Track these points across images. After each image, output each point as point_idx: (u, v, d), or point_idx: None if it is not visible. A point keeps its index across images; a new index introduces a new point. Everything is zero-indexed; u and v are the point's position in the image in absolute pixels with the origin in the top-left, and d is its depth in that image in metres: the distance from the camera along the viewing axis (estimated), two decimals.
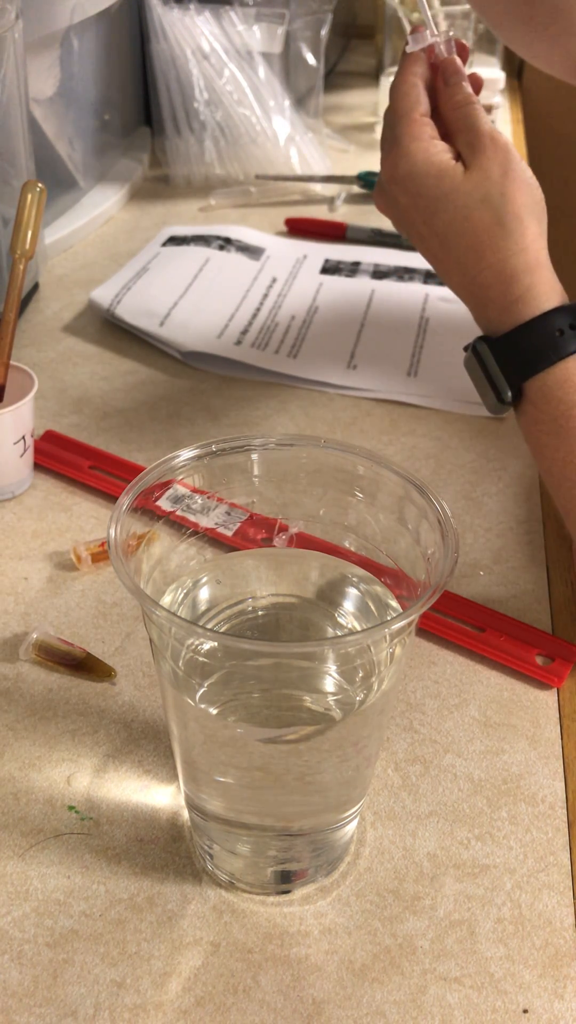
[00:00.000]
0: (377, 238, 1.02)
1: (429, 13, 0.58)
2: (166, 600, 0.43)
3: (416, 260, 0.97)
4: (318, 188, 1.12)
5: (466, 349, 0.56)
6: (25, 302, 0.88)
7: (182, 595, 0.44)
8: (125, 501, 0.39)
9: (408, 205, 0.53)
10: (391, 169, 0.53)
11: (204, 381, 0.79)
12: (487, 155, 0.52)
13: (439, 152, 0.53)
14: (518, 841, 0.46)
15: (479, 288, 0.53)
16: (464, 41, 0.59)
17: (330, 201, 1.11)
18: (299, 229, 1.04)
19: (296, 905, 0.43)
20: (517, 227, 0.51)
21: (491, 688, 0.54)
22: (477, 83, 0.58)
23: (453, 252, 0.52)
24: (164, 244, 0.97)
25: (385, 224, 1.04)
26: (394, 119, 0.54)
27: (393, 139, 0.54)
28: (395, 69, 0.59)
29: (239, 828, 0.43)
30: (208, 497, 0.44)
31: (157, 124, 1.14)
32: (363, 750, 0.41)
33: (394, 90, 0.56)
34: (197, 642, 0.40)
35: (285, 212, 1.07)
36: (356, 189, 1.13)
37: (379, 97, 1.32)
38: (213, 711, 0.41)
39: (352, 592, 0.45)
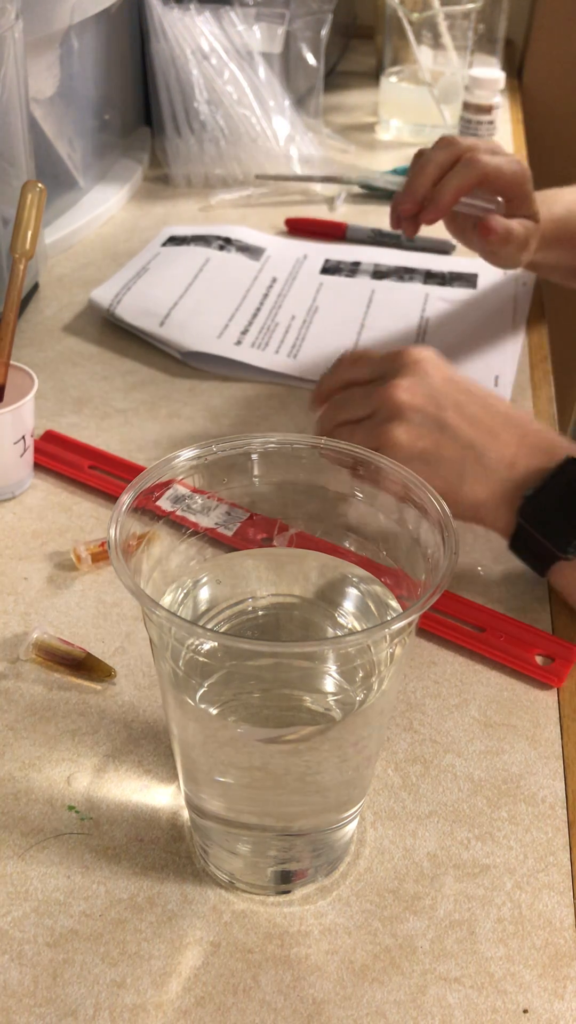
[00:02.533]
0: (377, 238, 1.02)
1: None
2: (166, 600, 0.43)
3: (416, 260, 0.97)
4: (318, 188, 1.12)
5: (531, 502, 0.56)
6: (25, 302, 0.88)
7: (182, 595, 0.44)
8: (125, 501, 0.39)
9: (442, 379, 0.59)
10: (416, 355, 0.59)
11: (204, 381, 0.79)
12: None
13: None
14: (518, 841, 0.46)
15: (538, 434, 0.58)
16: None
17: (330, 201, 1.11)
18: (299, 229, 1.04)
19: (296, 905, 0.43)
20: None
21: (491, 688, 0.54)
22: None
23: (499, 415, 0.58)
24: (164, 244, 0.97)
25: (385, 224, 1.04)
26: (415, 351, 0.61)
27: (399, 349, 0.61)
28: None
29: (239, 828, 0.43)
30: (208, 497, 0.44)
31: (157, 124, 1.14)
32: (363, 750, 0.41)
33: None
34: (197, 642, 0.40)
35: (285, 212, 1.07)
36: (356, 189, 1.13)
37: (379, 97, 1.32)
38: (213, 711, 0.41)
39: (352, 592, 0.45)
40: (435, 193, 0.73)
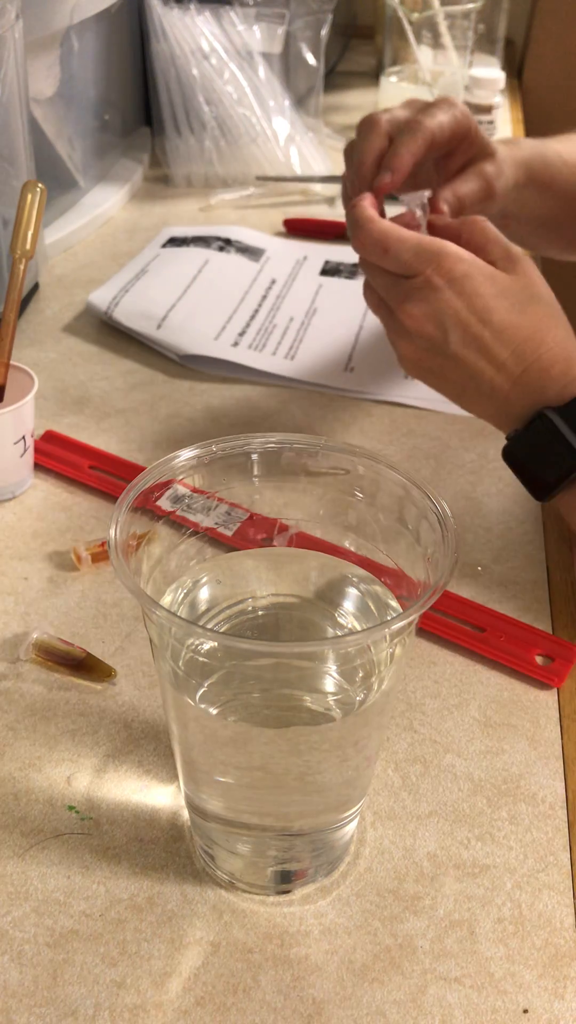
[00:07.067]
0: None
1: None
2: (166, 600, 0.43)
3: None
4: (318, 188, 1.12)
5: (509, 446, 0.59)
6: (25, 302, 0.88)
7: (182, 595, 0.44)
8: (125, 501, 0.39)
9: (461, 307, 0.57)
10: (447, 274, 0.57)
11: (204, 381, 0.79)
12: (525, 262, 0.60)
13: (482, 259, 0.59)
14: (518, 841, 0.46)
15: (538, 372, 0.57)
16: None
17: (330, 201, 1.11)
18: (297, 229, 1.03)
19: (296, 905, 0.43)
20: (564, 318, 0.59)
21: (491, 688, 0.54)
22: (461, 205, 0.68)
23: (510, 345, 0.57)
24: (164, 245, 0.97)
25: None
26: (423, 242, 0.59)
27: (438, 248, 0.58)
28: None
29: (239, 828, 0.43)
30: (208, 497, 0.44)
31: (157, 124, 1.14)
32: (363, 750, 0.41)
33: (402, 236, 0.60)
34: (197, 642, 0.40)
35: (285, 212, 1.07)
36: None
37: (379, 97, 1.32)
38: (213, 711, 0.41)
39: (352, 592, 0.45)
40: (390, 160, 0.65)
